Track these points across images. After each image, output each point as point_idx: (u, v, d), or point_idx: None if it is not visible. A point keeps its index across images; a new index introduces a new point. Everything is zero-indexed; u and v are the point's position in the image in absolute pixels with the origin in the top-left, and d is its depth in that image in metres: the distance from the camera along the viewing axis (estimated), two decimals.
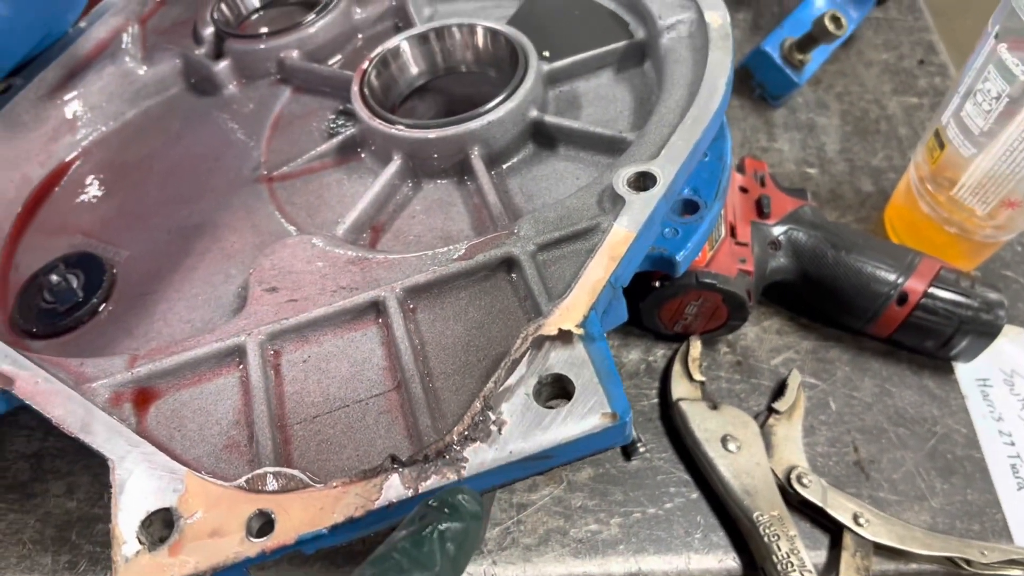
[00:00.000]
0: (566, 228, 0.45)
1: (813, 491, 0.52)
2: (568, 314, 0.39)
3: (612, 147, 0.52)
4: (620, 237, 0.42)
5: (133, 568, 0.35)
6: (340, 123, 0.60)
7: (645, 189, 0.44)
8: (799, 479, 0.53)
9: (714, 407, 0.56)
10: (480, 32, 0.59)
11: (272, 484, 0.37)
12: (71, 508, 0.53)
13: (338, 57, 0.66)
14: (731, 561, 0.52)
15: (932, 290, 0.56)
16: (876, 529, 0.51)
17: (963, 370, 0.61)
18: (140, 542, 0.36)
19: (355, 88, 0.56)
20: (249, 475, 0.37)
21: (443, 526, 0.31)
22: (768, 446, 0.55)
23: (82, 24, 0.67)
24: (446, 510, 0.32)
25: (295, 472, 0.37)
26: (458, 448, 0.36)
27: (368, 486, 0.36)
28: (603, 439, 0.36)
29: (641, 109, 0.55)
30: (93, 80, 0.65)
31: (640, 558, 0.52)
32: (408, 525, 0.32)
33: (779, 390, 0.59)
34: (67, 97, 0.64)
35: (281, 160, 0.59)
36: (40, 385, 0.43)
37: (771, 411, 0.57)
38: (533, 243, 0.45)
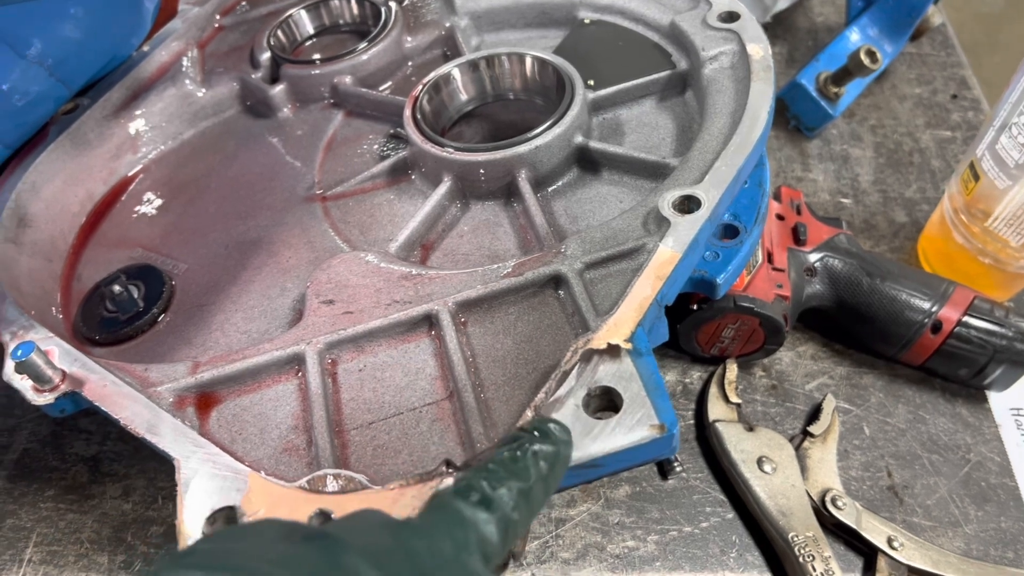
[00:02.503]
0: (612, 248, 0.47)
1: (847, 514, 0.53)
2: (616, 329, 0.41)
3: (655, 172, 0.54)
4: (666, 257, 0.44)
5: None
6: (391, 146, 0.63)
7: (690, 212, 0.46)
8: (833, 502, 0.54)
9: (750, 429, 0.57)
10: (529, 61, 0.61)
11: (332, 485, 0.39)
12: (127, 510, 0.55)
13: (388, 83, 0.69)
14: None
15: (966, 319, 0.57)
16: (910, 553, 0.52)
17: (996, 399, 0.62)
18: None
19: (408, 112, 0.59)
20: (310, 476, 0.39)
21: (536, 447, 0.34)
22: (803, 469, 0.56)
23: (145, 48, 0.70)
24: (537, 434, 0.35)
25: (354, 474, 0.39)
26: None
27: (424, 489, 0.37)
28: (651, 450, 0.37)
29: (683, 136, 0.57)
30: (154, 101, 0.68)
31: (676, 575, 0.53)
32: (505, 443, 0.34)
33: (813, 414, 0.60)
34: (130, 117, 0.67)
35: (334, 180, 0.61)
36: (108, 388, 0.45)
37: (806, 434, 0.58)
38: (580, 261, 0.46)
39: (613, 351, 0.40)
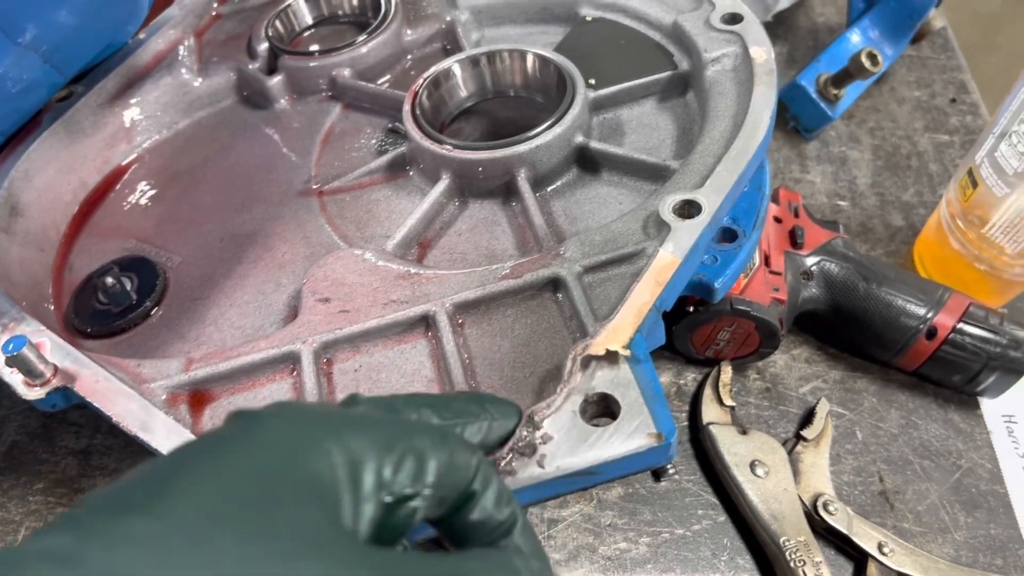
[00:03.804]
0: (612, 251, 0.46)
1: (839, 519, 0.53)
2: (615, 335, 0.41)
3: (655, 174, 0.54)
4: (666, 262, 0.44)
5: None
6: (389, 141, 0.62)
7: (690, 217, 0.46)
8: (825, 506, 0.54)
9: (743, 432, 0.57)
10: (531, 58, 0.61)
11: None
12: None
13: (387, 77, 0.68)
14: None
15: (961, 325, 0.57)
16: (900, 559, 0.52)
17: (989, 406, 0.62)
18: None
19: (407, 107, 0.58)
20: None
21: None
22: (795, 473, 0.56)
23: (141, 36, 0.69)
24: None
25: None
26: (507, 460, 0.37)
27: None
28: (648, 458, 0.37)
29: (683, 138, 0.57)
30: (150, 90, 0.68)
31: None
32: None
33: (807, 418, 0.60)
34: (125, 105, 0.67)
35: (331, 175, 0.60)
36: (101, 384, 0.44)
37: (799, 438, 0.58)
38: (579, 265, 0.46)
39: (611, 358, 0.40)
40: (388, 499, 0.26)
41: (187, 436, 0.41)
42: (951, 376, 0.60)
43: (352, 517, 0.25)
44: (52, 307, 0.56)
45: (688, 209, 0.47)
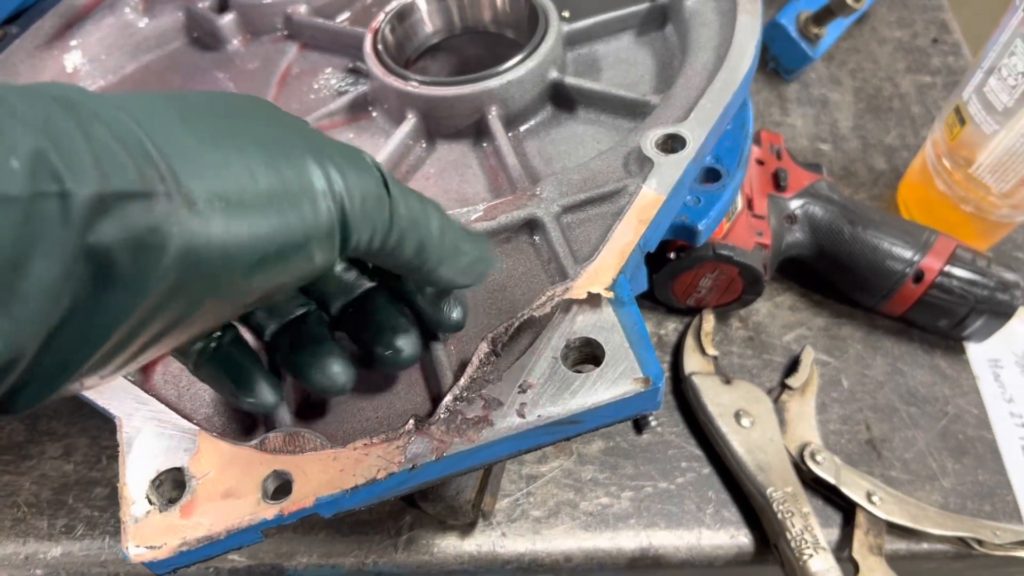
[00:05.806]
0: (591, 190, 0.43)
1: (826, 468, 0.52)
2: (596, 277, 0.38)
3: (634, 111, 0.51)
4: (649, 200, 0.41)
5: (144, 529, 0.34)
6: (349, 81, 0.59)
7: (674, 152, 0.43)
8: (812, 456, 0.52)
9: (727, 382, 0.55)
10: None
11: (288, 445, 0.36)
12: (68, 471, 0.52)
13: (346, 14, 0.64)
14: (743, 537, 0.51)
15: (948, 268, 0.56)
16: (889, 508, 0.51)
17: (975, 351, 0.61)
18: (150, 502, 0.35)
19: (368, 43, 0.55)
20: (264, 435, 0.36)
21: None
22: (781, 422, 0.54)
23: None
24: None
25: (311, 434, 0.36)
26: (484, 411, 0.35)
27: (391, 448, 0.34)
28: (635, 404, 0.35)
29: (663, 74, 0.54)
30: (91, 31, 0.63)
31: (651, 533, 0.51)
32: None
33: (792, 366, 0.58)
34: (65, 48, 0.62)
35: None
36: None
37: (784, 387, 0.56)
38: (557, 205, 0.43)
39: (593, 300, 0.37)
40: None
41: (137, 394, 0.38)
42: (938, 320, 0.58)
43: None
44: None
45: (672, 143, 0.44)
